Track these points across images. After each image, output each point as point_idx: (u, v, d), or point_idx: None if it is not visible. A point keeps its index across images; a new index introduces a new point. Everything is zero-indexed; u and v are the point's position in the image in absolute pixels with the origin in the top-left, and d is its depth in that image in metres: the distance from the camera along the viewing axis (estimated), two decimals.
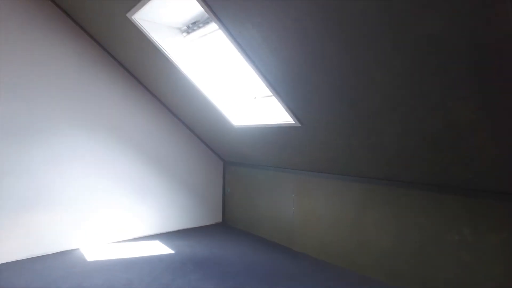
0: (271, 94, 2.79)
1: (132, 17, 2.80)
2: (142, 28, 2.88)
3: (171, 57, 3.12)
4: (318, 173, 3.45)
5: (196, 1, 2.25)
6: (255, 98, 3.66)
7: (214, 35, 3.08)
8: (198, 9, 2.80)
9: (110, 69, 3.77)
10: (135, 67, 3.78)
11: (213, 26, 2.87)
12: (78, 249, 3.56)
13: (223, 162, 4.83)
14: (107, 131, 3.75)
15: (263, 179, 4.16)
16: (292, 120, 2.87)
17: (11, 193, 3.16)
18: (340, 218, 3.26)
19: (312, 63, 2.19)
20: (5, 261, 3.13)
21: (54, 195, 3.41)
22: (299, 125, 2.86)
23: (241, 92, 3.64)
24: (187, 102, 3.79)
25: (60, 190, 3.44)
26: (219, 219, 4.81)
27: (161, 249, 3.65)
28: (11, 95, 3.15)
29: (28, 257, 3.25)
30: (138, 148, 4.01)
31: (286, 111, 2.79)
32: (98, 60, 3.68)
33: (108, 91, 3.77)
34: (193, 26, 3.08)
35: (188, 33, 3.16)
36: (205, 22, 2.93)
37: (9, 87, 3.14)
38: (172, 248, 3.68)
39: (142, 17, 2.86)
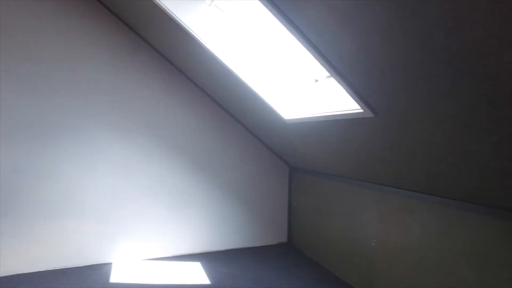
0: (330, 75, 1.75)
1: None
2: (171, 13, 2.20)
3: (203, 42, 2.36)
4: (414, 193, 2.23)
5: None
6: (304, 84, 2.62)
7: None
8: None
9: (150, 63, 3.21)
10: (176, 57, 3.15)
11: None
12: (110, 263, 3.09)
13: (288, 168, 3.88)
14: (145, 135, 3.21)
15: (336, 193, 3.07)
16: (360, 107, 1.78)
17: (44, 199, 2.85)
18: (451, 265, 2.00)
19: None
20: (35, 270, 2.83)
21: (87, 203, 3.01)
22: (371, 115, 1.75)
23: (289, 78, 2.65)
24: (234, 94, 2.99)
25: (93, 199, 3.03)
26: (283, 238, 3.87)
27: (198, 276, 2.92)
28: (45, 100, 2.83)
29: (56, 269, 2.90)
30: (183, 152, 3.37)
31: (352, 96, 1.72)
32: (136, 55, 3.16)
33: (147, 86, 3.22)
34: None
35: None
36: None
37: (43, 92, 2.83)
38: (211, 276, 2.92)
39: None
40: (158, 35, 3.01)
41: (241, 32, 2.52)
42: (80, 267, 2.98)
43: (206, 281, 2.83)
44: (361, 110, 1.80)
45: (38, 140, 2.83)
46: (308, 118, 2.35)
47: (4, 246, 2.75)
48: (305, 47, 1.63)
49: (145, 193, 3.23)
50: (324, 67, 1.73)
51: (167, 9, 2.21)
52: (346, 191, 2.91)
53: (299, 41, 1.62)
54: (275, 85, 2.64)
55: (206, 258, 3.34)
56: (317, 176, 3.32)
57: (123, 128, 3.13)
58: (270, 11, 1.53)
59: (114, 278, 2.82)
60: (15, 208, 2.78)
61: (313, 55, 1.66)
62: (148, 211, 3.24)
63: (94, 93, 3.01)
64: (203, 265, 3.15)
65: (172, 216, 3.34)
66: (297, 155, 3.38)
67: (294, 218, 3.80)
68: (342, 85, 1.72)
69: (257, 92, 2.60)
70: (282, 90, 2.65)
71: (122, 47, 3.11)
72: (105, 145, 3.06)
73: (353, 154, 2.41)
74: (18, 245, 2.79)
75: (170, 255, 3.33)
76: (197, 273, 2.98)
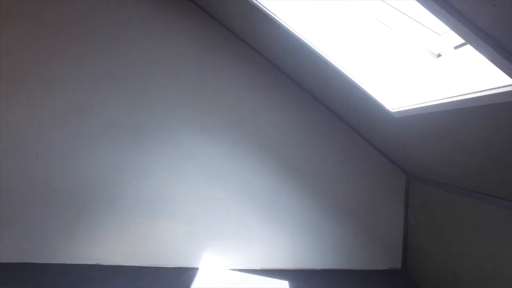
0: (466, 41, 1.10)
1: None
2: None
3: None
4: None
5: None
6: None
7: None
8: None
9: (239, 57, 2.96)
10: (266, 49, 2.81)
11: None
12: (197, 269, 2.95)
13: (405, 177, 3.10)
14: (233, 136, 2.97)
15: (470, 213, 2.22)
16: None
17: (140, 198, 2.91)
18: None
19: None
20: (128, 264, 2.89)
21: (176, 205, 2.95)
22: None
23: (396, 58, 1.97)
24: (332, 86, 2.46)
25: (182, 201, 2.95)
26: (396, 263, 3.11)
27: None
28: (139, 102, 2.89)
29: (146, 266, 2.91)
30: (275, 156, 3.01)
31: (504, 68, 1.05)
32: (224, 49, 2.96)
33: (236, 83, 2.98)
34: None
35: None
36: None
37: (138, 93, 2.90)
38: None
39: None
40: (246, 27, 2.73)
41: (333, 15, 2.01)
42: (167, 267, 2.92)
43: None
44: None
45: (137, 141, 2.89)
46: (427, 107, 1.68)
47: (106, 238, 2.89)
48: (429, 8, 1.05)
49: (234, 199, 2.99)
50: (456, 31, 1.10)
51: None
52: (486, 212, 2.05)
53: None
54: (378, 72, 2.03)
55: (297, 276, 2.89)
56: (444, 188, 2.48)
57: (211, 127, 2.96)
58: None
59: (196, 284, 2.65)
60: (118, 203, 2.89)
61: (442, 16, 1.06)
62: (236, 218, 2.99)
63: (183, 93, 2.93)
64: (292, 285, 2.71)
65: (262, 226, 3.01)
66: (416, 161, 2.63)
67: (411, 240, 3.00)
68: (486, 52, 1.06)
69: (358, 83, 2.03)
70: (389, 76, 2.01)
71: (209, 41, 2.94)
72: (193, 146, 2.94)
73: (498, 161, 1.62)
74: (117, 238, 2.90)
75: (258, 268, 2.99)
76: None
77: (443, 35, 1.77)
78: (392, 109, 2.01)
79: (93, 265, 2.86)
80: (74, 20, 2.81)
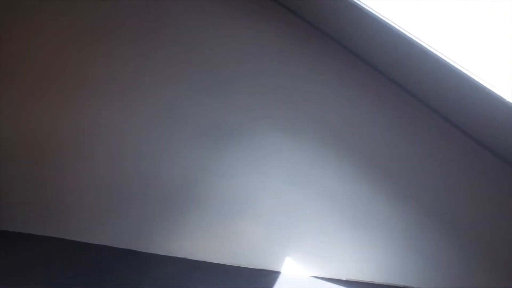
0: None
1: None
2: None
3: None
4: None
5: None
6: None
7: None
8: None
9: (325, 54, 2.83)
10: (355, 43, 2.62)
11: None
12: (279, 272, 2.88)
13: None
14: (318, 137, 2.84)
15: None
16: None
17: (222, 197, 2.99)
18: None
19: None
20: (211, 261, 2.98)
21: (257, 207, 2.94)
22: None
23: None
24: (436, 79, 2.15)
25: (263, 203, 2.93)
26: None
27: None
28: (220, 101, 2.99)
29: (228, 264, 2.95)
30: (365, 160, 2.78)
31: None
32: (308, 45, 2.85)
33: (322, 82, 2.85)
34: None
35: None
36: None
37: (209, 87, 2.99)
38: None
39: None
40: (334, 20, 2.59)
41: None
42: (249, 268, 2.91)
43: None
44: None
45: (220, 141, 2.97)
46: None
47: (192, 234, 3.03)
48: None
49: (319, 204, 2.84)
50: None
51: None
52: None
53: None
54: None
55: None
56: None
57: (295, 129, 2.87)
58: None
59: None
60: (201, 201, 3.02)
61: None
62: (321, 224, 2.83)
63: (266, 93, 2.92)
64: None
65: (350, 234, 2.79)
66: None
67: None
68: None
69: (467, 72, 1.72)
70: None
71: (293, 40, 2.87)
72: (276, 148, 2.90)
73: None
74: (201, 235, 3.02)
75: (343, 278, 2.77)
76: None
77: None
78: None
79: (182, 258, 3.02)
80: (159, 25, 3.05)
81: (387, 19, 1.82)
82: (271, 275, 2.82)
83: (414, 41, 1.81)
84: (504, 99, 1.71)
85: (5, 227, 3.79)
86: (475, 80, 1.74)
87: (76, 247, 3.21)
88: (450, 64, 1.77)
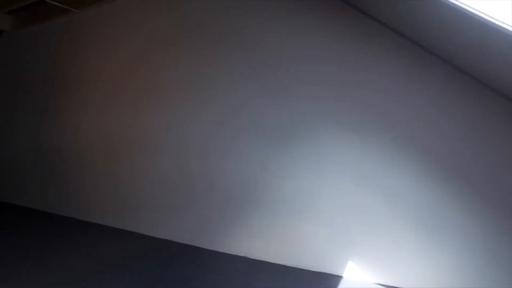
0: None
1: None
2: None
3: None
4: None
5: None
6: None
7: None
8: None
9: (396, 53, 2.69)
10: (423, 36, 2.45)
11: None
12: (341, 277, 2.78)
13: None
14: (382, 136, 2.71)
15: None
16: None
17: (283, 197, 2.99)
18: None
19: None
20: (271, 261, 2.98)
21: (318, 208, 2.89)
22: None
23: None
24: None
25: (325, 204, 2.87)
26: None
27: None
28: (275, 96, 3.00)
29: (289, 265, 2.93)
30: (434, 159, 2.59)
31: None
32: (380, 49, 2.74)
33: (386, 78, 2.71)
34: None
35: None
36: None
37: (272, 88, 3.01)
38: None
39: None
40: (406, 16, 2.45)
41: None
42: (310, 271, 2.85)
43: None
44: None
45: (283, 142, 2.98)
46: None
47: (252, 233, 3.07)
48: None
49: (384, 205, 2.70)
50: None
51: None
52: None
53: None
54: None
55: None
56: None
57: (360, 129, 2.77)
58: None
59: None
60: (263, 201, 3.05)
61: None
62: (386, 229, 2.69)
63: (329, 93, 2.87)
64: None
65: (417, 238, 2.61)
66: None
67: None
68: None
69: None
70: None
71: (359, 38, 2.78)
72: (339, 149, 2.82)
73: None
74: (262, 234, 3.04)
75: (409, 287, 2.59)
76: None
77: None
78: None
79: (242, 257, 3.07)
80: (223, 31, 3.15)
81: (474, 10, 1.66)
82: (332, 279, 2.73)
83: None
84: None
85: (86, 218, 4.20)
86: None
87: (145, 241, 3.44)
88: None
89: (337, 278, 2.75)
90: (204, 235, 3.25)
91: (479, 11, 1.62)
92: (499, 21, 1.60)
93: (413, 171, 2.63)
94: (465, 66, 2.45)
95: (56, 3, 3.85)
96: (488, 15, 1.62)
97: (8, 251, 3.15)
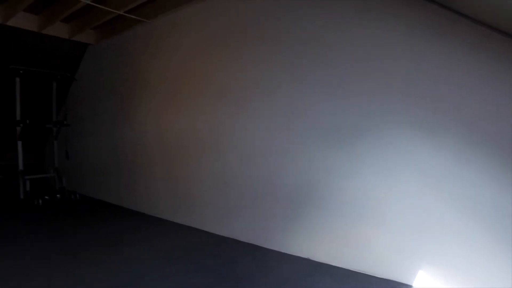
0: None
1: None
2: None
3: None
4: None
5: None
6: None
7: None
8: None
9: (471, 48, 2.46)
10: None
11: None
12: (410, 286, 2.61)
13: None
14: (460, 136, 2.48)
15: None
16: None
17: (345, 199, 2.90)
18: None
19: None
20: (333, 264, 2.91)
21: (385, 211, 2.73)
22: None
23: None
24: None
25: (392, 208, 2.70)
26: None
27: None
28: (346, 102, 2.91)
29: (352, 269, 2.82)
30: None
31: None
32: (453, 44, 2.51)
33: (463, 72, 2.48)
34: None
35: None
36: None
37: (335, 87, 2.93)
38: None
39: None
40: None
41: None
42: (376, 277, 2.72)
43: None
44: None
45: (348, 143, 2.88)
46: None
47: (316, 235, 3.02)
48: None
49: (457, 209, 2.46)
50: None
51: None
52: None
53: None
54: None
55: None
56: None
57: (430, 126, 2.58)
58: None
59: None
60: (325, 202, 2.99)
61: None
62: (460, 233, 2.45)
63: (396, 90, 2.70)
64: None
65: (496, 245, 2.34)
66: None
67: None
68: None
69: None
70: None
71: (433, 32, 2.58)
72: (409, 149, 2.64)
73: None
74: (326, 236, 2.98)
75: None
76: None
77: None
78: None
79: (304, 258, 3.04)
80: (280, 30, 3.16)
81: None
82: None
83: None
84: None
85: (154, 213, 4.51)
86: None
87: (209, 238, 3.59)
88: None
89: (405, 287, 2.59)
90: (267, 234, 3.28)
91: None
92: None
93: (492, 171, 2.37)
94: None
95: (131, 16, 4.22)
96: None
97: (89, 240, 3.51)
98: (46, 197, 5.15)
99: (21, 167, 5.29)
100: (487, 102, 2.41)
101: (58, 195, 5.32)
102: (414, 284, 2.60)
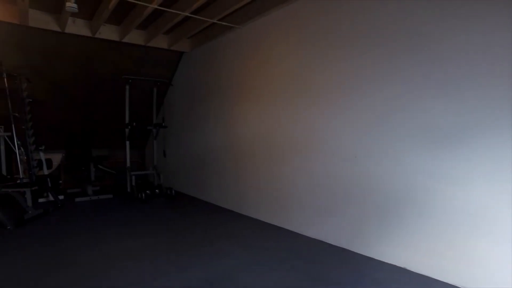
0: None
1: None
2: None
3: None
4: None
5: None
6: None
7: None
8: None
9: None
10: None
11: None
12: None
13: None
14: None
15: None
16: None
17: (454, 208, 2.62)
18: None
19: None
20: (430, 276, 2.66)
21: (499, 221, 2.40)
22: None
23: None
24: None
25: (508, 217, 2.36)
26: None
27: None
28: (441, 92, 2.63)
29: (454, 285, 2.55)
30: None
31: None
32: None
33: None
34: None
35: None
36: None
37: (437, 84, 2.66)
38: None
39: None
40: None
41: None
42: None
43: None
44: None
45: (454, 145, 2.60)
46: None
47: (414, 244, 2.80)
48: None
49: None
50: None
51: None
52: None
53: None
54: None
55: None
56: None
57: None
58: None
59: None
60: (426, 209, 2.74)
61: None
62: None
63: (507, 87, 2.36)
64: None
65: None
66: None
67: None
68: None
69: None
70: None
71: None
72: None
73: None
74: (426, 247, 2.73)
75: None
76: None
77: None
78: None
79: (401, 268, 2.84)
80: (389, 25, 2.97)
81: None
82: None
83: None
84: None
85: (242, 211, 4.68)
86: None
87: (298, 238, 3.59)
88: None
89: None
90: (359, 239, 3.16)
91: None
92: None
93: None
94: None
95: (224, 23, 4.46)
96: None
97: (185, 231, 3.80)
98: (148, 191, 5.76)
99: (128, 164, 6.00)
100: None
101: (157, 190, 5.90)
102: None
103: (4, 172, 5.73)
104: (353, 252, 3.17)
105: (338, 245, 3.32)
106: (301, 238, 3.60)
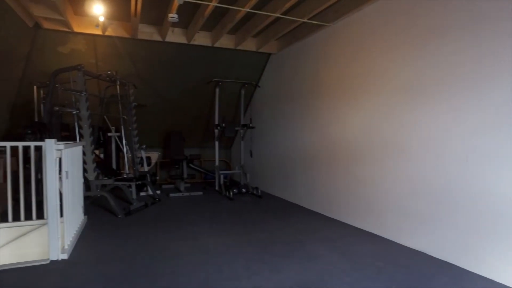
0: None
1: None
2: None
3: None
4: None
5: None
6: None
7: None
8: None
9: None
10: None
11: None
12: None
13: None
14: None
15: None
16: None
17: None
18: None
19: None
20: None
21: None
22: None
23: None
24: None
25: None
26: None
27: None
28: None
29: None
30: None
31: None
32: None
33: None
34: None
35: None
36: None
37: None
38: None
39: None
40: None
41: None
42: None
43: None
44: None
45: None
46: None
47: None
48: None
49: None
50: None
51: None
52: None
53: None
54: None
55: None
56: None
57: None
58: None
59: None
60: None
61: None
62: None
63: None
64: None
65: None
66: None
67: None
68: None
69: None
70: None
71: None
72: None
73: None
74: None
75: None
76: None
77: None
78: None
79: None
80: (497, 13, 2.56)
81: None
82: None
83: None
84: None
85: (330, 214, 4.54)
86: None
87: (393, 247, 3.34)
88: None
89: None
90: (467, 254, 2.79)
91: None
92: None
93: None
94: None
95: (314, 22, 4.39)
96: None
97: (275, 232, 3.83)
98: (235, 190, 5.98)
99: (217, 163, 6.32)
100: None
101: (243, 190, 6.09)
102: None
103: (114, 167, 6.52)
104: (460, 267, 2.82)
105: (442, 258, 2.99)
106: (397, 247, 3.34)
